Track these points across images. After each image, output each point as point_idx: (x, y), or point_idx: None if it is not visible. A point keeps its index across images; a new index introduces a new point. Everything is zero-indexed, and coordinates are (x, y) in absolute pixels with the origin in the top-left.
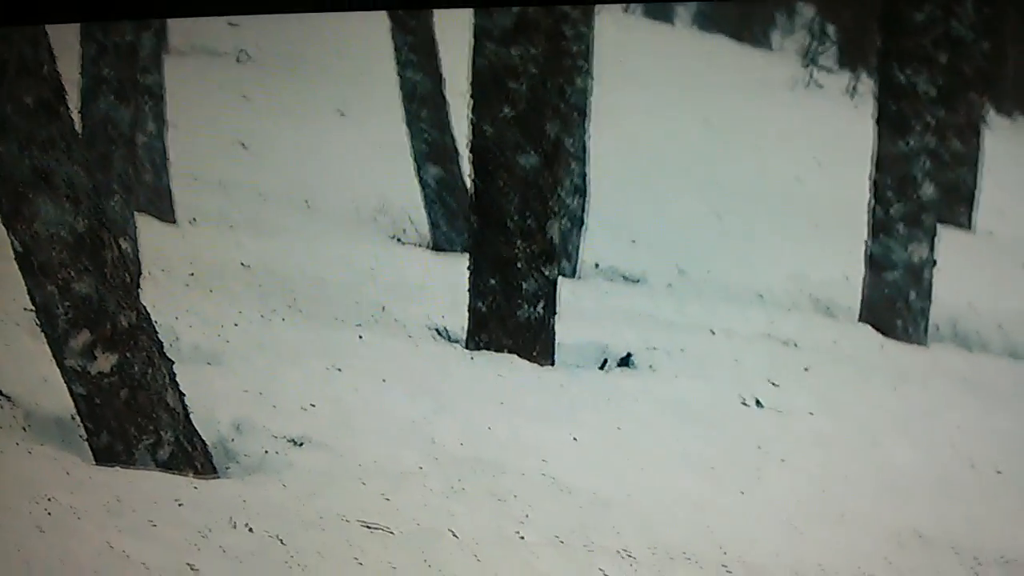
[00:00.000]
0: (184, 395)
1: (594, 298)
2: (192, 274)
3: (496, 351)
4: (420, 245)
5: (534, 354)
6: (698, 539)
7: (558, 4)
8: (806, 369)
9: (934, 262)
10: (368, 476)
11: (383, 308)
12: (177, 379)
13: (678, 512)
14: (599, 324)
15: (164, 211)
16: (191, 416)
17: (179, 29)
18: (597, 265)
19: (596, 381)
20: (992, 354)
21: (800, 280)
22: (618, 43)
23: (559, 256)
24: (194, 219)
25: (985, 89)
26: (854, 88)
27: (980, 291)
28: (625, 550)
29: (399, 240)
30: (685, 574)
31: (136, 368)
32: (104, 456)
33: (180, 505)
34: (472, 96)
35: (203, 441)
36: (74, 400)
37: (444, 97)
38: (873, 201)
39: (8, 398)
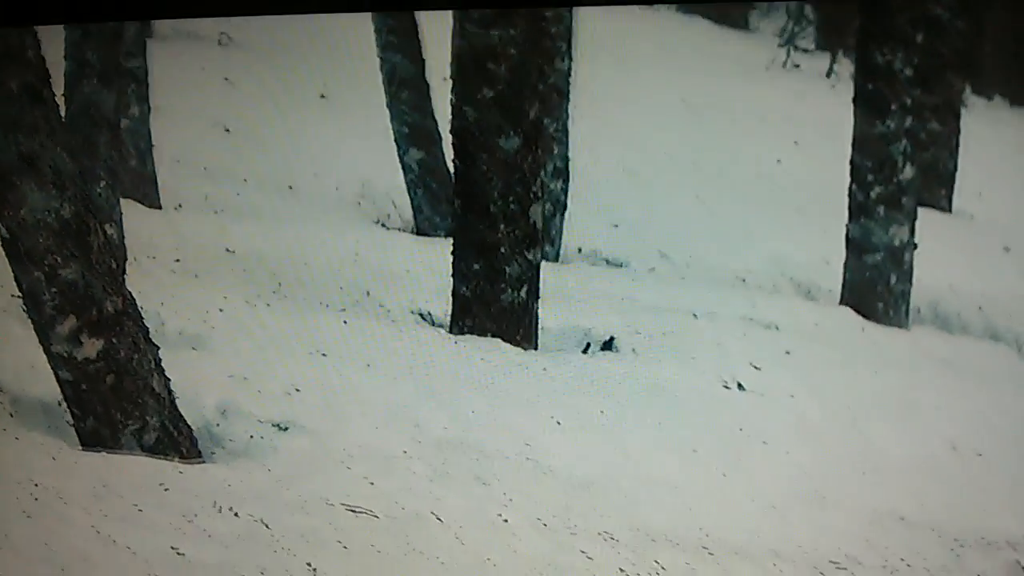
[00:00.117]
0: (169, 380)
1: (577, 282)
2: (177, 260)
3: (480, 335)
4: (404, 230)
5: (517, 338)
6: (680, 522)
7: (544, 6)
8: (787, 352)
9: (914, 244)
10: (352, 460)
11: (367, 293)
12: (163, 364)
13: (660, 495)
14: (582, 308)
15: (149, 197)
16: (176, 401)
17: None
18: (580, 249)
19: (579, 365)
20: (973, 336)
21: (781, 263)
22: (599, 25)
23: (542, 240)
24: (179, 205)
25: (963, 70)
26: (832, 69)
27: (961, 273)
28: (607, 533)
29: (383, 225)
30: (667, 556)
31: (122, 353)
32: (90, 441)
33: (166, 490)
34: (453, 78)
35: (188, 426)
36: (60, 386)
37: (425, 80)
38: (853, 183)
39: None
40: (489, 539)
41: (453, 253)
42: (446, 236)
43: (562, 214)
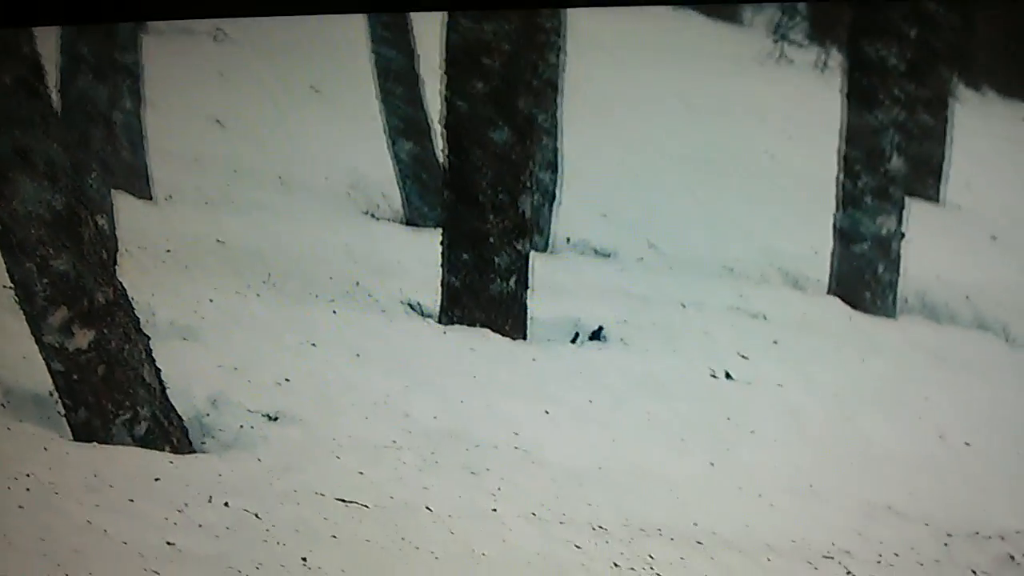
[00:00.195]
0: (160, 371)
1: (566, 272)
2: (168, 251)
3: (469, 326)
4: (394, 220)
5: (507, 328)
6: (669, 512)
7: (535, 7)
8: (775, 342)
9: (903, 235)
10: (343, 451)
11: (357, 283)
12: (153, 355)
13: (649, 485)
14: (571, 298)
15: (141, 188)
16: (167, 392)
17: None
18: (569, 240)
19: (568, 355)
20: (960, 326)
21: (770, 253)
22: (591, 18)
23: (532, 231)
24: (170, 196)
25: (954, 63)
26: (824, 62)
27: (948, 263)
28: (597, 523)
29: (373, 216)
30: (657, 547)
31: (113, 344)
32: (82, 432)
33: (157, 481)
34: (445, 72)
35: (179, 417)
36: (52, 376)
37: (417, 73)
38: (842, 174)
39: None
40: (479, 529)
41: (443, 244)
42: (436, 227)
43: (552, 205)
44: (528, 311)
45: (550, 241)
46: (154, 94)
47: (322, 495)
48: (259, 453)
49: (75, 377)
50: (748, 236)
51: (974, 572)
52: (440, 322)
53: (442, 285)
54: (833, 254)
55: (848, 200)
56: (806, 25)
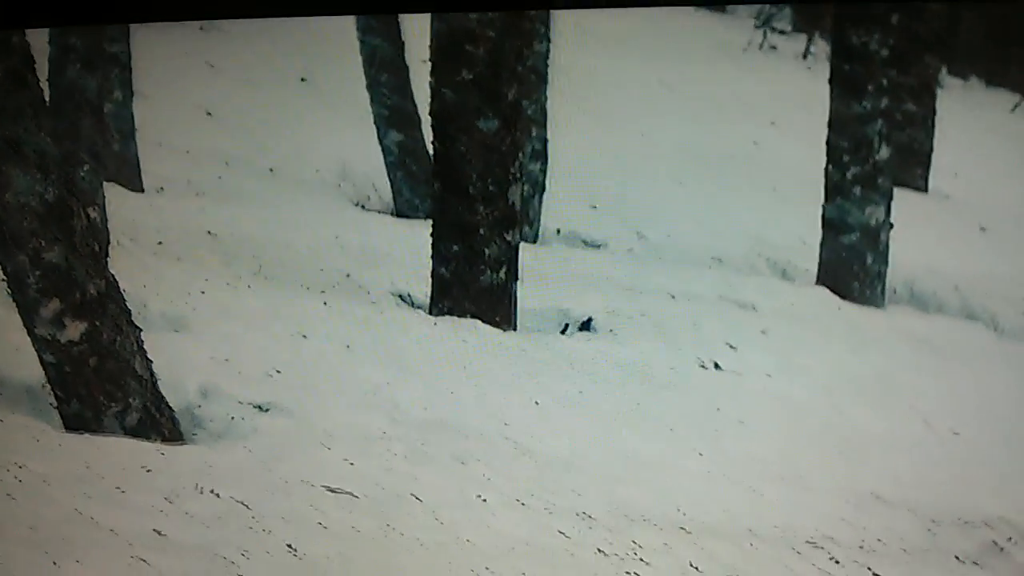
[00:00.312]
0: (151, 362)
1: (555, 263)
2: (160, 242)
3: (459, 316)
4: (383, 212)
5: (496, 319)
6: (657, 501)
7: (520, 8)
8: (764, 332)
9: (891, 224)
10: (332, 441)
11: (347, 275)
12: (145, 346)
13: (637, 474)
14: (560, 289)
15: (132, 180)
16: (158, 383)
17: None
18: (558, 230)
19: (557, 345)
20: (949, 315)
21: (758, 244)
22: (576, 7)
23: (521, 222)
24: (161, 188)
25: (940, 51)
26: (808, 51)
27: (936, 253)
28: (585, 512)
29: (363, 207)
30: (644, 536)
31: (104, 336)
32: (73, 423)
33: (148, 471)
34: (432, 61)
35: (170, 408)
36: (44, 368)
37: (405, 62)
38: (829, 164)
39: None
40: (467, 518)
41: (432, 235)
42: (425, 218)
43: (541, 195)
44: (517, 302)
45: (539, 232)
46: (144, 85)
47: (311, 485)
48: (249, 443)
49: (67, 368)
50: (737, 227)
51: (959, 559)
52: (430, 313)
53: (432, 276)
54: (821, 244)
55: (836, 190)
56: (790, 13)
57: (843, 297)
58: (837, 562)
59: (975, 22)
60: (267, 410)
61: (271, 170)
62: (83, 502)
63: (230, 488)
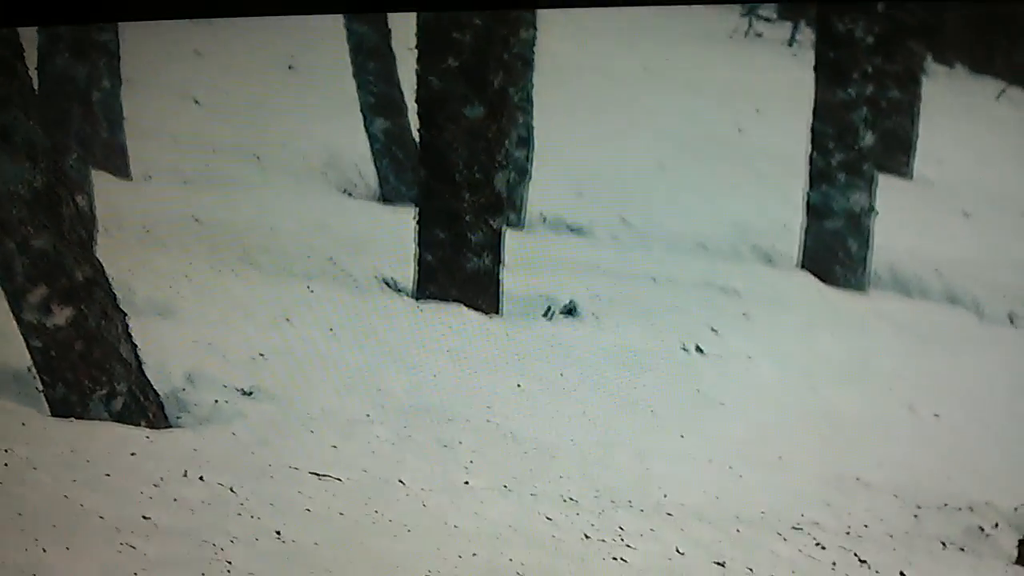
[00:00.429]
0: (137, 347)
1: (540, 249)
2: (146, 229)
3: (444, 301)
4: (369, 198)
5: (481, 304)
6: (640, 484)
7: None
8: (746, 316)
9: (873, 209)
10: (317, 425)
11: (332, 260)
12: (131, 331)
13: (620, 458)
14: (545, 274)
15: (119, 167)
16: (144, 368)
17: None
18: (543, 216)
19: (541, 330)
20: (931, 300)
21: (741, 229)
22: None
23: (506, 207)
24: (149, 175)
25: (924, 38)
26: (794, 38)
27: (919, 238)
28: (570, 497)
29: (348, 193)
30: (627, 518)
31: (91, 321)
32: (60, 408)
33: (133, 456)
34: (418, 48)
35: (156, 392)
36: (31, 353)
37: (391, 50)
38: (813, 150)
39: None
40: (452, 503)
41: (418, 221)
42: (411, 204)
43: (526, 182)
44: (502, 287)
45: (525, 218)
46: (132, 73)
47: (296, 469)
48: (234, 428)
49: (53, 354)
50: (720, 212)
51: (943, 543)
52: (415, 298)
53: (417, 262)
54: (805, 230)
55: (819, 176)
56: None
57: (826, 282)
58: (822, 547)
59: (960, 9)
60: (252, 394)
61: (257, 157)
62: (70, 487)
63: (216, 473)
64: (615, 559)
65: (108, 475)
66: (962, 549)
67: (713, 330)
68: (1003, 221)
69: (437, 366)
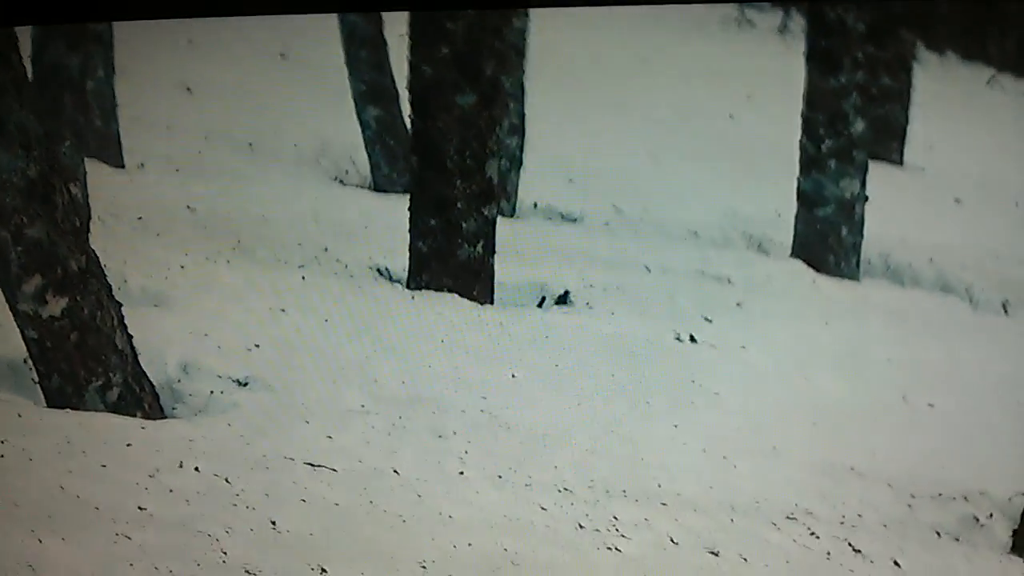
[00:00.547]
0: (132, 337)
1: (532, 237)
2: (140, 218)
3: (437, 291)
4: (362, 186)
5: (474, 293)
6: (634, 474)
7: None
8: (739, 305)
9: (866, 197)
10: (311, 415)
11: (326, 249)
12: (125, 322)
13: (614, 447)
14: (537, 263)
15: (113, 156)
16: (139, 358)
17: None
18: (535, 205)
19: (534, 319)
20: (924, 288)
21: (733, 217)
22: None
23: (498, 196)
24: (142, 164)
25: (915, 25)
26: (785, 25)
27: (912, 226)
28: (562, 485)
29: (341, 182)
30: (622, 508)
31: (86, 311)
32: (55, 399)
33: (129, 446)
34: (410, 36)
35: (151, 383)
36: (26, 344)
37: (383, 37)
38: (804, 137)
39: None
40: (446, 492)
41: (410, 209)
42: (404, 192)
43: (518, 170)
44: (495, 276)
45: (517, 206)
46: (124, 62)
47: (291, 459)
48: (229, 418)
49: (48, 344)
50: (712, 200)
51: (937, 533)
52: (408, 287)
53: (410, 250)
54: (797, 217)
55: (811, 163)
56: None
57: (818, 270)
58: (816, 536)
59: None
60: (246, 385)
61: (250, 145)
62: (66, 478)
63: (211, 464)
64: (609, 548)
65: (104, 466)
66: (956, 538)
67: (706, 319)
68: (995, 208)
69: (431, 356)
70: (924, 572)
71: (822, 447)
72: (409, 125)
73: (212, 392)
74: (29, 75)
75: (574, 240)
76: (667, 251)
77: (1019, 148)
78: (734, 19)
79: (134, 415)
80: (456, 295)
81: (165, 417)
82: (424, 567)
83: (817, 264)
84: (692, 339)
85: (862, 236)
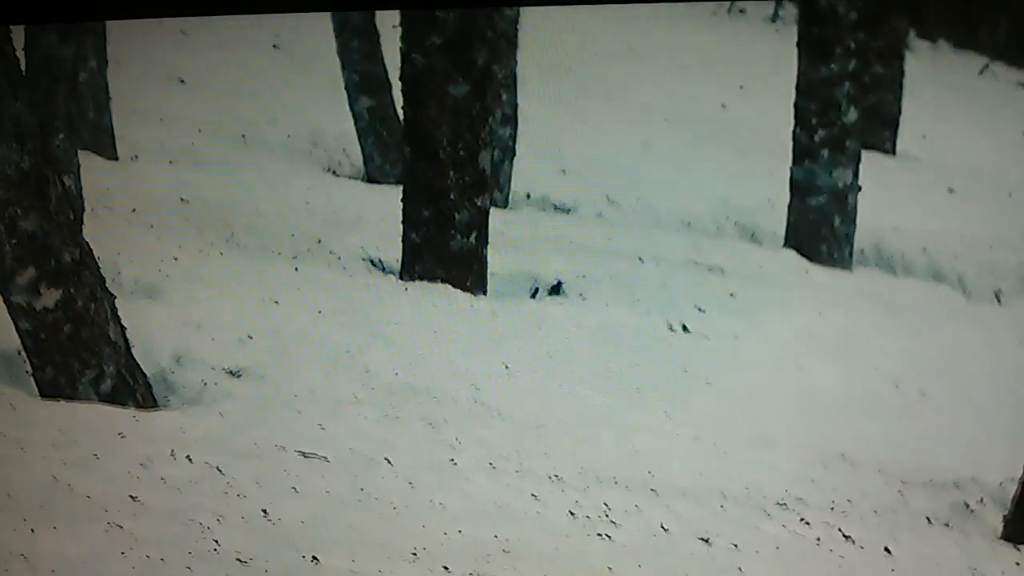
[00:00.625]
0: (125, 328)
1: (525, 228)
2: (133, 210)
3: (430, 281)
4: (354, 177)
5: (467, 284)
6: (626, 462)
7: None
8: (732, 294)
9: (858, 187)
10: (304, 405)
11: (319, 240)
12: (119, 313)
13: (606, 436)
14: (530, 253)
15: (106, 148)
16: (132, 349)
17: None
18: (528, 195)
19: (527, 310)
20: (916, 277)
21: (726, 207)
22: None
23: (491, 186)
24: (135, 155)
25: (907, 13)
26: (777, 14)
27: (904, 215)
28: (555, 474)
29: (334, 172)
30: (614, 496)
31: (79, 303)
32: (49, 390)
33: (122, 437)
34: (402, 25)
35: (144, 373)
36: (20, 335)
37: (376, 28)
38: (797, 127)
39: None
40: (439, 482)
41: (403, 200)
42: (396, 183)
43: (511, 160)
44: (488, 266)
45: (510, 197)
46: (117, 53)
47: (283, 449)
48: (221, 408)
49: (42, 336)
50: (705, 190)
51: (928, 519)
52: (401, 278)
53: (403, 241)
54: (789, 207)
55: (804, 153)
56: None
57: (811, 259)
58: (807, 523)
59: None
60: (239, 375)
61: (243, 136)
62: (59, 468)
63: (204, 453)
64: (600, 536)
65: (96, 456)
66: (947, 525)
67: (699, 308)
68: (987, 197)
69: (423, 346)
70: (915, 558)
71: (814, 435)
72: (402, 115)
73: (205, 383)
74: (22, 67)
75: (567, 230)
76: (660, 241)
77: (1012, 137)
78: (726, 8)
79: (127, 406)
80: (449, 286)
81: (158, 408)
82: (416, 555)
83: (810, 253)
84: (685, 329)
85: (855, 225)
